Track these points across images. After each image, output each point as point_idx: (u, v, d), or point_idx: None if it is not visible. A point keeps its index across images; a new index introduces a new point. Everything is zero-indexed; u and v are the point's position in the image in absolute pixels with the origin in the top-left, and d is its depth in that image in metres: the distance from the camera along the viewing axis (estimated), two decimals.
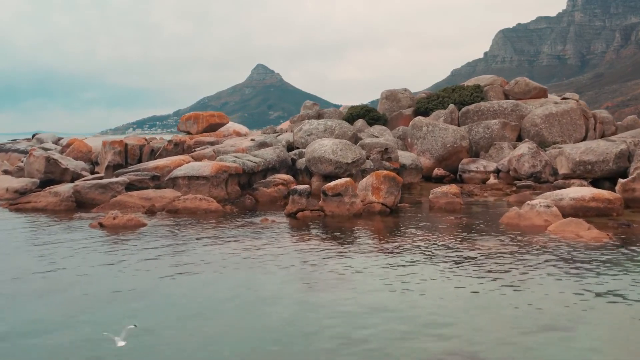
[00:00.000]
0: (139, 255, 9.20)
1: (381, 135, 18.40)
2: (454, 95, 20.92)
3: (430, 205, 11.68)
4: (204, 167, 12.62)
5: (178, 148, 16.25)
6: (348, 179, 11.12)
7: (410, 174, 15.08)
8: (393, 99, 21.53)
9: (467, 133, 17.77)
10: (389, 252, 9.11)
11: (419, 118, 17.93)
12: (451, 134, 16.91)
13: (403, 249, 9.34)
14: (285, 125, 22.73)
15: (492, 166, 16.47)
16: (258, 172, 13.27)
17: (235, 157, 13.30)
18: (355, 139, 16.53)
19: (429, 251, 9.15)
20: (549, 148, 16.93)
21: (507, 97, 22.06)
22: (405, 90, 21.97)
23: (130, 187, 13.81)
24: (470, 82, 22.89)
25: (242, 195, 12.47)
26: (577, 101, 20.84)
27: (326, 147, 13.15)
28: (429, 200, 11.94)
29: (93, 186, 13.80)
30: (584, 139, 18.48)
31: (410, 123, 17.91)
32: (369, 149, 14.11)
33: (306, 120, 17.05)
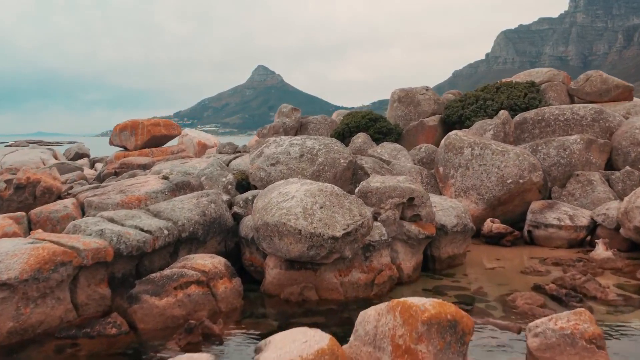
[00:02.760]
0: None
1: (394, 159, 11.60)
2: (500, 97, 14.08)
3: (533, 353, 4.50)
4: (10, 258, 5.24)
5: (23, 193, 8.93)
6: (326, 343, 3.71)
7: (455, 241, 8.36)
8: (409, 102, 14.78)
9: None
10: None
11: (457, 134, 10.96)
12: (513, 161, 10.07)
13: None
14: (254, 140, 16.02)
15: (584, 216, 9.82)
16: (156, 250, 6.67)
17: (111, 220, 6.62)
18: (353, 171, 9.78)
19: None
20: None
21: (572, 98, 15.32)
22: (427, 89, 15.22)
23: None
24: (519, 77, 16.05)
25: (110, 312, 5.70)
26: None
27: (292, 201, 6.52)
28: (512, 321, 5.33)
29: None
30: None
31: (444, 142, 10.91)
32: (378, 199, 7.38)
33: (271, 139, 10.20)
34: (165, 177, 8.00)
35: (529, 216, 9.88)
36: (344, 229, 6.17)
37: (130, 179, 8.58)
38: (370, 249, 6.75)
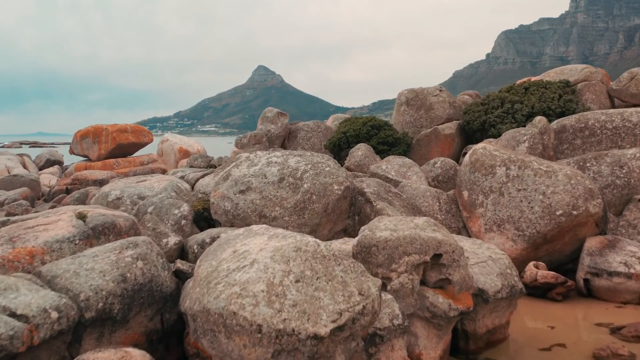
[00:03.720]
0: None
1: (403, 178, 9.12)
2: (530, 99, 11.49)
3: None
4: None
5: None
6: None
7: (497, 309, 5.86)
8: (420, 105, 12.25)
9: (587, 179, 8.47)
10: None
11: (486, 148, 8.38)
12: (564, 185, 7.55)
13: None
14: (233, 152, 13.44)
15: None
16: (37, 346, 4.38)
17: None
18: (351, 199, 7.32)
19: None
20: None
21: (613, 101, 12.87)
22: (441, 89, 12.70)
23: None
24: (548, 75, 13.51)
25: None
26: None
27: (251, 270, 4.17)
28: None
29: None
30: None
31: (469, 158, 8.35)
32: (387, 257, 4.93)
33: (243, 156, 7.68)
34: (81, 217, 5.52)
35: (586, 259, 7.41)
36: (334, 321, 3.72)
37: (36, 215, 6.08)
38: (376, 341, 4.30)
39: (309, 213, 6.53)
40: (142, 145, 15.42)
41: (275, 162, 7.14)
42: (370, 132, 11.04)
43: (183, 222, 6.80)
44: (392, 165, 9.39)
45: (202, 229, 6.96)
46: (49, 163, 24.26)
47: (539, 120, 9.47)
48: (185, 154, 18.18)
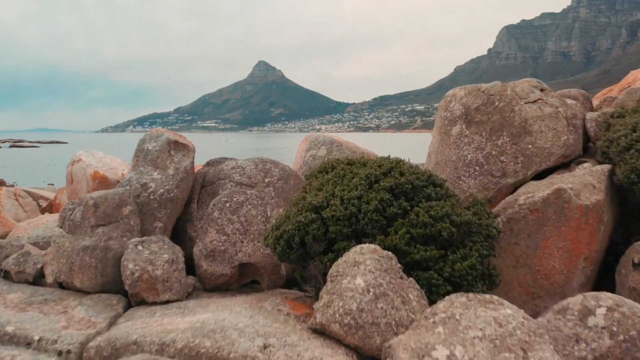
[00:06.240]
0: None
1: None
2: None
3: None
4: None
5: None
6: None
7: None
8: (500, 123, 5.61)
9: None
10: None
11: None
12: None
13: None
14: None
15: None
16: None
17: None
18: None
19: None
20: None
21: None
22: (542, 87, 5.94)
23: None
24: None
25: None
26: None
27: None
28: None
29: None
30: None
31: None
32: None
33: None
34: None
35: None
36: None
37: None
38: None
39: None
40: None
41: None
42: (384, 201, 4.08)
43: None
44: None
45: None
46: None
47: None
48: (102, 181, 10.27)
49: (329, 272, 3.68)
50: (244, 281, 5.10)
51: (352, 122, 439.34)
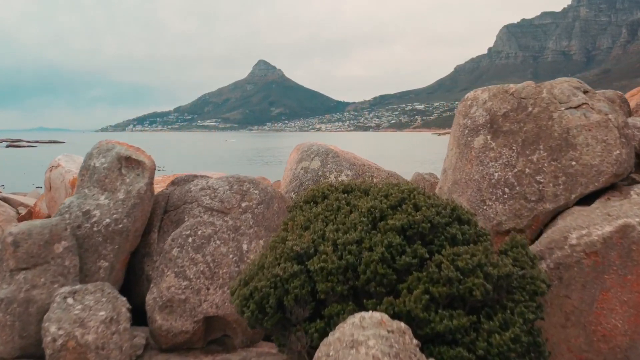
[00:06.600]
0: None
1: None
2: None
3: None
4: None
5: None
6: None
7: None
8: (536, 134, 4.36)
9: None
10: None
11: None
12: None
13: None
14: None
15: None
16: None
17: None
18: None
19: None
20: None
21: None
22: (585, 89, 4.61)
23: None
24: None
25: None
26: None
27: None
28: None
29: None
30: None
31: None
32: None
33: None
34: None
35: None
36: None
37: None
38: None
39: None
40: None
41: None
42: (393, 247, 2.95)
43: None
44: None
45: None
46: None
47: None
48: None
49: (316, 355, 2.58)
50: (212, 337, 4.01)
51: (352, 122, 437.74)
